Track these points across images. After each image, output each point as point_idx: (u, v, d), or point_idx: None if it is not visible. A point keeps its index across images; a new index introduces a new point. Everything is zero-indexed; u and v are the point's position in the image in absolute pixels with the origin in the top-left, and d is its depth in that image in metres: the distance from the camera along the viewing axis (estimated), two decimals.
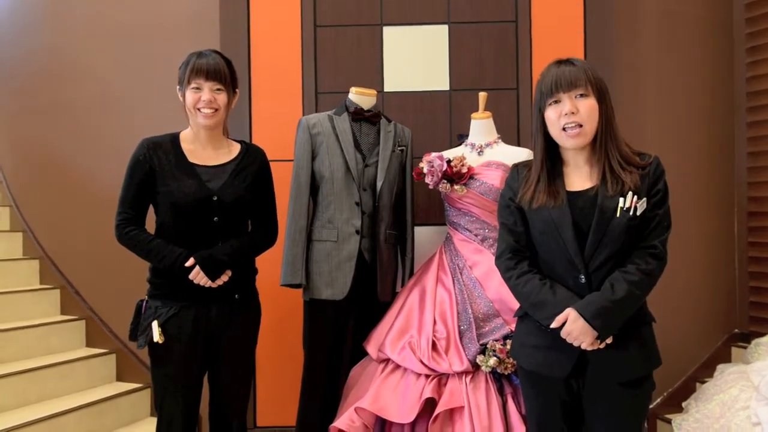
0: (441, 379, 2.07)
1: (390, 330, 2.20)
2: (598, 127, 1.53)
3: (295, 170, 2.29)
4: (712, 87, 3.00)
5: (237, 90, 1.97)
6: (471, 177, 2.25)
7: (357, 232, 2.23)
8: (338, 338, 2.29)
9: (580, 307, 1.48)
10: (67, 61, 3.24)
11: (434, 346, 2.10)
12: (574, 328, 1.47)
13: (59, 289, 3.21)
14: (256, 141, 2.66)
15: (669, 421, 2.69)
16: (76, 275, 3.20)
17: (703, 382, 2.75)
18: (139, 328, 1.87)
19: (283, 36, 2.76)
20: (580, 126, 1.51)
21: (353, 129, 2.31)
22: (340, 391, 2.31)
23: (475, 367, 2.06)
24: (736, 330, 2.99)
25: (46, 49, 3.31)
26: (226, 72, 1.89)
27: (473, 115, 2.39)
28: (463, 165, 2.25)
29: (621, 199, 1.48)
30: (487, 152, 2.34)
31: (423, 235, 2.64)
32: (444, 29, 2.76)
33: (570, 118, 1.51)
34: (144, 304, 1.89)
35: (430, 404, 2.03)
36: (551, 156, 1.60)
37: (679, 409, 2.61)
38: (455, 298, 2.18)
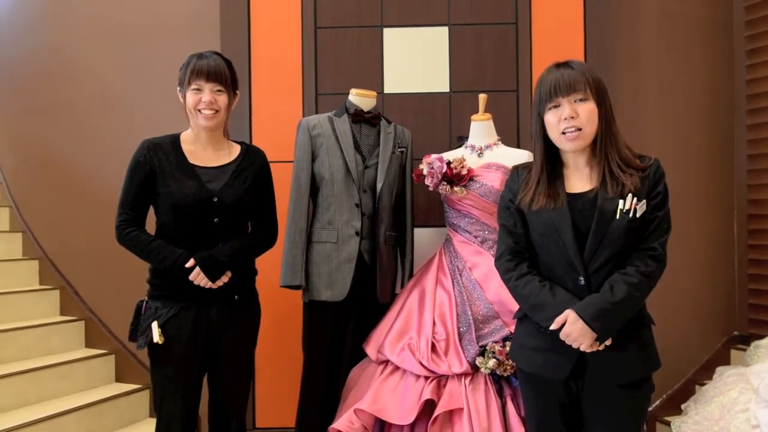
0: (440, 380, 2.07)
1: (389, 331, 2.20)
2: (597, 130, 1.53)
3: (295, 171, 2.29)
4: (712, 88, 3.00)
5: (237, 91, 1.98)
6: (471, 179, 2.25)
7: (357, 233, 2.23)
8: (338, 339, 2.29)
9: (580, 308, 1.48)
10: (67, 61, 3.24)
11: (433, 348, 2.10)
12: (574, 329, 1.47)
13: (59, 289, 3.21)
14: (256, 142, 2.66)
15: (668, 423, 2.69)
16: (76, 276, 3.20)
17: (702, 385, 2.76)
18: (138, 329, 1.87)
19: (284, 37, 2.76)
20: (579, 129, 1.51)
21: (353, 130, 2.31)
22: (339, 392, 2.31)
23: (475, 368, 2.06)
24: (736, 332, 2.99)
25: (46, 49, 3.31)
26: (226, 73, 1.89)
27: (473, 116, 2.39)
28: (462, 167, 2.25)
29: (621, 202, 1.48)
30: (487, 154, 2.34)
31: (423, 236, 2.64)
32: (444, 31, 2.76)
33: (570, 122, 1.51)
34: (144, 304, 1.89)
35: (429, 406, 2.03)
36: (551, 158, 1.61)
37: (678, 411, 2.61)
38: (455, 299, 2.18)
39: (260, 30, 2.77)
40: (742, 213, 2.98)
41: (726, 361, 2.91)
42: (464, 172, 2.24)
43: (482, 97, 2.39)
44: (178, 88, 1.93)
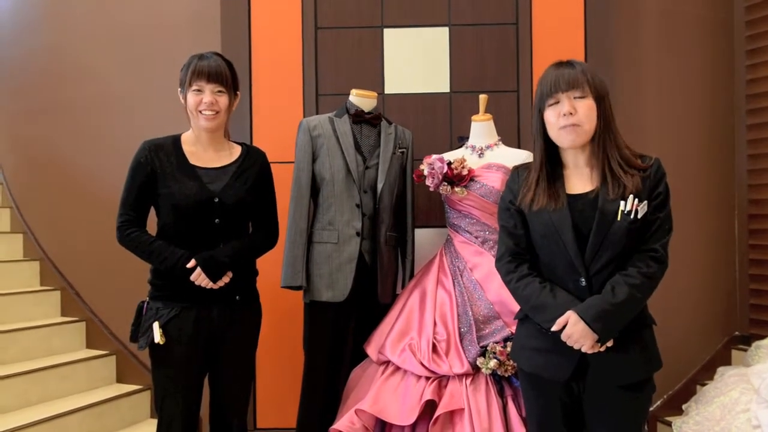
0: (441, 381, 2.07)
1: (390, 332, 2.20)
2: (596, 128, 1.53)
3: (296, 172, 2.30)
4: (712, 88, 3.00)
5: (238, 92, 1.98)
6: (471, 179, 2.25)
7: (357, 234, 2.23)
8: (338, 340, 2.29)
9: (581, 310, 1.48)
10: (67, 61, 3.24)
11: (434, 348, 2.10)
12: (575, 331, 1.47)
13: (60, 290, 3.21)
14: (256, 143, 2.66)
15: (669, 424, 2.69)
16: (77, 277, 3.20)
17: (703, 385, 2.76)
18: (140, 330, 1.87)
19: (284, 38, 2.76)
20: (578, 126, 1.51)
21: (354, 131, 2.31)
22: (340, 393, 2.30)
23: (476, 369, 2.06)
24: (737, 332, 2.99)
25: (46, 49, 3.31)
26: (227, 74, 1.89)
27: (474, 117, 2.39)
28: (463, 167, 2.25)
29: (622, 203, 1.48)
30: (488, 154, 2.34)
31: (423, 237, 2.64)
32: (444, 31, 2.76)
33: (568, 119, 1.51)
34: (145, 305, 1.90)
35: (430, 406, 2.03)
36: (551, 158, 1.60)
37: (679, 412, 2.61)
38: (455, 300, 2.18)
39: (261, 30, 2.77)
40: (742, 213, 2.98)
41: (727, 362, 2.90)
42: (465, 172, 2.24)
43: (483, 98, 2.39)
44: (179, 89, 1.93)
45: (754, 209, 2.94)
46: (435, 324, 2.15)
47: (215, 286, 1.86)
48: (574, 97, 1.51)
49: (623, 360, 1.51)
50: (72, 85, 3.22)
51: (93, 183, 3.16)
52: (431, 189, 2.30)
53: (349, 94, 2.37)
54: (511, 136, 2.68)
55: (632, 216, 1.47)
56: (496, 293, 2.14)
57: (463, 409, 1.99)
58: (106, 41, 3.14)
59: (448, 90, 2.76)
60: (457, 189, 2.24)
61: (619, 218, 1.48)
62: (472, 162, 2.30)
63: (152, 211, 1.93)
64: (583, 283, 1.52)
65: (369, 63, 2.76)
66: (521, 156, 2.27)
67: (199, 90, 1.86)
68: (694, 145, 2.97)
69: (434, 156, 2.30)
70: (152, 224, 1.92)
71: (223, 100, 1.89)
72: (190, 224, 1.86)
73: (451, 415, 2.01)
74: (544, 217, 1.55)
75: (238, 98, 1.98)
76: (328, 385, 2.28)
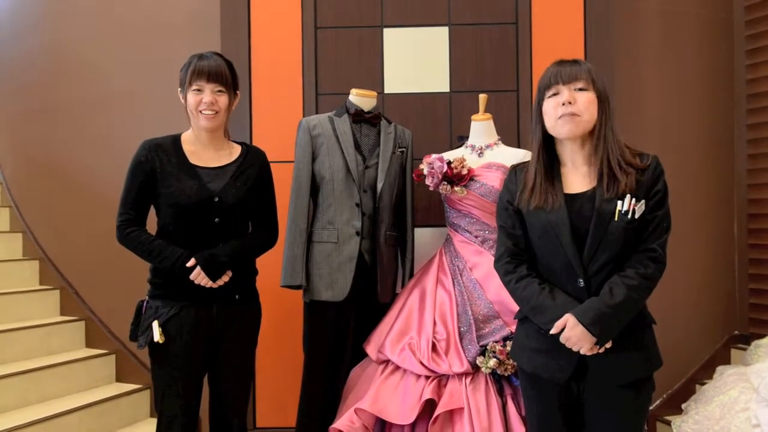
0: (441, 380, 2.07)
1: (390, 331, 2.20)
2: (596, 125, 1.52)
3: (296, 172, 2.30)
4: (712, 88, 3.00)
5: (238, 92, 1.98)
6: (471, 179, 2.25)
7: (357, 233, 2.24)
8: (338, 339, 2.29)
9: (579, 313, 1.47)
10: (67, 61, 3.24)
11: (434, 348, 2.10)
12: (573, 334, 1.47)
13: (59, 289, 3.21)
14: (256, 142, 2.66)
15: (668, 423, 2.69)
16: (76, 276, 3.20)
17: (702, 384, 2.76)
18: (139, 329, 1.87)
19: (284, 37, 2.76)
20: (577, 116, 1.50)
21: (354, 130, 2.31)
22: (339, 392, 2.31)
23: (475, 368, 2.06)
24: (736, 332, 2.99)
25: (47, 49, 3.31)
26: (227, 74, 1.89)
27: (473, 116, 2.39)
28: (463, 167, 2.25)
29: (619, 203, 1.47)
30: (488, 154, 2.34)
31: (423, 236, 2.65)
32: (444, 31, 2.76)
33: (567, 108, 1.49)
34: (144, 304, 1.90)
35: (429, 405, 2.03)
36: (549, 154, 1.59)
37: (679, 411, 2.61)
38: (455, 299, 2.19)
39: (260, 30, 2.77)
40: (742, 212, 2.98)
41: (726, 361, 2.91)
42: (464, 171, 2.24)
43: (482, 97, 2.39)
44: (179, 89, 1.93)
45: (753, 209, 2.95)
46: (434, 323, 2.15)
47: (215, 285, 1.86)
48: (575, 89, 1.50)
49: (623, 359, 1.51)
50: (72, 84, 3.22)
51: (92, 182, 3.16)
52: (431, 188, 2.30)
53: (348, 94, 2.37)
54: (510, 136, 2.68)
55: (629, 216, 1.46)
56: (496, 293, 2.14)
57: (462, 409, 1.99)
58: (105, 41, 3.14)
59: (447, 90, 2.76)
60: (456, 188, 2.24)
61: (616, 218, 1.47)
62: (472, 161, 2.30)
63: (152, 211, 1.93)
64: (582, 284, 1.51)
65: (369, 62, 2.77)
66: (521, 155, 2.26)
67: (199, 90, 1.86)
68: (694, 144, 2.97)
69: (434, 155, 2.30)
70: (152, 224, 1.92)
71: (223, 99, 1.89)
72: (190, 223, 1.87)
73: (451, 414, 2.01)
74: (542, 217, 1.54)
75: (237, 98, 1.99)
76: (328, 385, 2.28)
